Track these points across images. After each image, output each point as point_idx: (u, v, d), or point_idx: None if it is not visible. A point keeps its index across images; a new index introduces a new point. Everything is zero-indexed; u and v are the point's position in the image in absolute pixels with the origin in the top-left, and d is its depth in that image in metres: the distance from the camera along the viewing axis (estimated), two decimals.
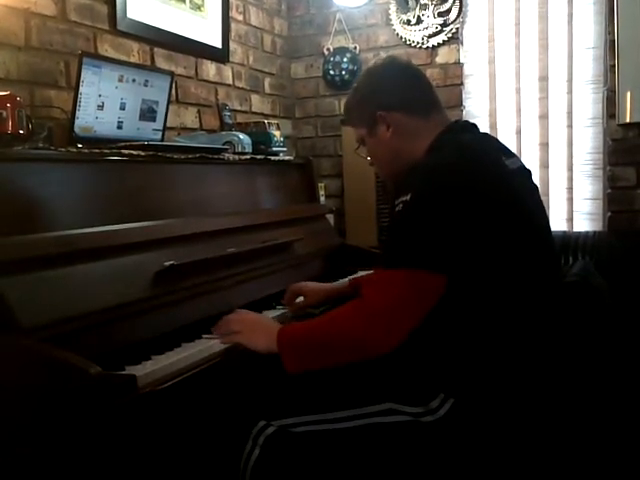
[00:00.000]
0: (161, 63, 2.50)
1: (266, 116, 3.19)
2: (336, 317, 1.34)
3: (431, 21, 3.14)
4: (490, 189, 1.27)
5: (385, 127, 1.46)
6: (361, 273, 2.24)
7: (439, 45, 3.16)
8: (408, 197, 1.26)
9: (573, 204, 2.98)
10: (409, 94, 1.47)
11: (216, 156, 2.12)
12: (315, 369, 1.32)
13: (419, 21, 3.17)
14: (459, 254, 1.23)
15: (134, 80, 2.00)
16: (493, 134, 2.93)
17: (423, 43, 3.17)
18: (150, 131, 2.14)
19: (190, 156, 1.97)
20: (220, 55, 2.87)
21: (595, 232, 2.82)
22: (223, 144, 2.31)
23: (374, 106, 1.46)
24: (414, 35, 3.19)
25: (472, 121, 1.54)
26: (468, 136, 1.45)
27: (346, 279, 2.09)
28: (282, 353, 1.33)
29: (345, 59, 3.36)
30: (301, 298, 1.86)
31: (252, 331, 1.45)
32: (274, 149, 2.56)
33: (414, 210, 1.26)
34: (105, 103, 1.92)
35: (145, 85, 2.06)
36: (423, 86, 1.51)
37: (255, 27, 3.19)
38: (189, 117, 2.67)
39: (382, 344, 1.24)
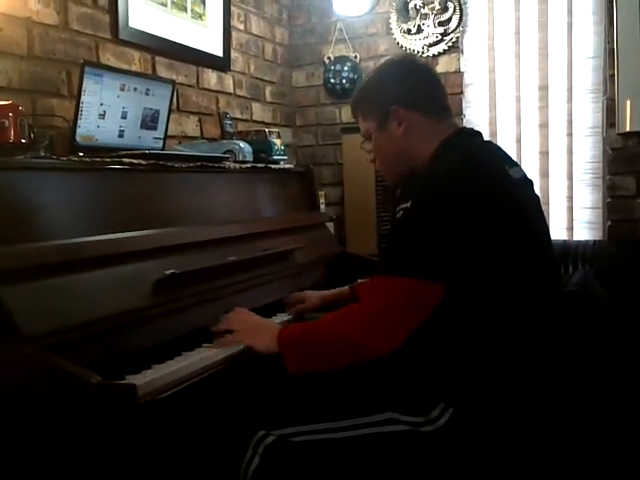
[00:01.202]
0: (162, 72, 2.51)
1: (267, 124, 3.20)
2: (334, 319, 1.35)
3: (431, 30, 3.16)
4: (492, 197, 1.27)
5: (397, 123, 1.44)
6: (361, 281, 2.25)
7: (439, 54, 3.17)
8: (409, 204, 1.26)
9: (573, 213, 2.98)
10: (426, 94, 1.47)
11: (217, 165, 2.13)
12: (315, 370, 1.33)
13: (419, 30, 3.18)
14: (459, 262, 1.24)
15: (135, 89, 2.01)
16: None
17: (423, 52, 3.18)
18: (151, 140, 2.14)
19: (191, 165, 1.98)
20: (221, 64, 2.88)
21: (595, 241, 2.82)
22: (224, 152, 2.31)
23: (389, 100, 1.44)
24: (414, 44, 3.20)
25: (477, 129, 1.54)
26: (472, 143, 1.45)
27: (346, 286, 2.10)
28: (283, 353, 1.35)
29: (346, 68, 3.38)
30: None
31: (253, 331, 1.47)
32: (275, 157, 2.56)
33: (415, 217, 1.26)
34: (106, 112, 1.92)
35: (146, 94, 2.06)
36: (439, 89, 1.51)
37: (256, 36, 3.20)
38: (190, 125, 2.67)
39: (379, 347, 1.25)
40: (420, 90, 1.47)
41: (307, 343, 1.35)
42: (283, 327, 1.43)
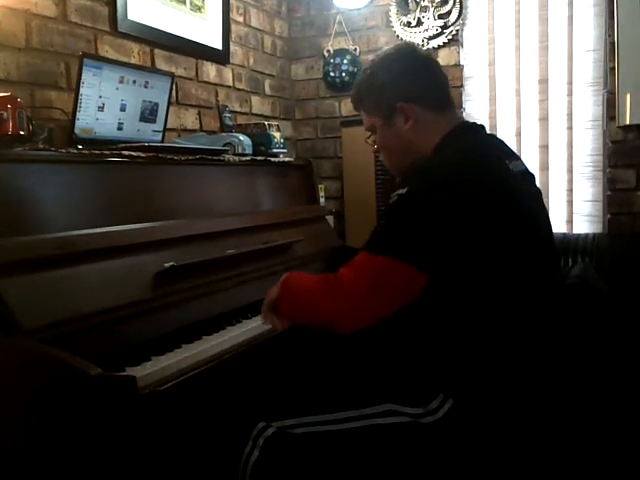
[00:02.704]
0: (161, 64, 2.50)
1: (266, 117, 3.19)
2: (314, 283, 1.37)
3: (431, 23, 3.15)
4: (489, 190, 1.27)
5: (403, 119, 1.43)
6: None
7: (439, 47, 3.16)
8: (404, 191, 1.26)
9: (573, 206, 2.98)
10: (429, 87, 1.45)
11: (216, 157, 2.13)
12: (298, 322, 1.38)
13: (419, 23, 3.17)
14: (450, 254, 1.23)
15: (134, 81, 2.01)
16: None
17: (423, 45, 3.16)
18: (150, 132, 2.14)
19: (190, 157, 1.97)
20: (220, 56, 2.88)
21: (595, 234, 2.81)
22: (223, 145, 2.31)
23: (394, 96, 1.43)
24: (414, 37, 3.19)
25: (480, 122, 1.54)
26: (472, 138, 1.44)
27: None
28: (280, 297, 1.41)
29: (345, 61, 3.37)
30: None
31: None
32: (274, 150, 2.56)
33: (408, 203, 1.26)
34: (105, 104, 1.92)
35: (145, 86, 2.06)
36: (441, 80, 1.49)
37: (255, 28, 3.19)
38: (189, 118, 2.67)
39: (346, 323, 1.28)
40: (424, 84, 1.45)
41: (294, 298, 1.40)
42: (291, 272, 1.48)
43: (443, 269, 1.24)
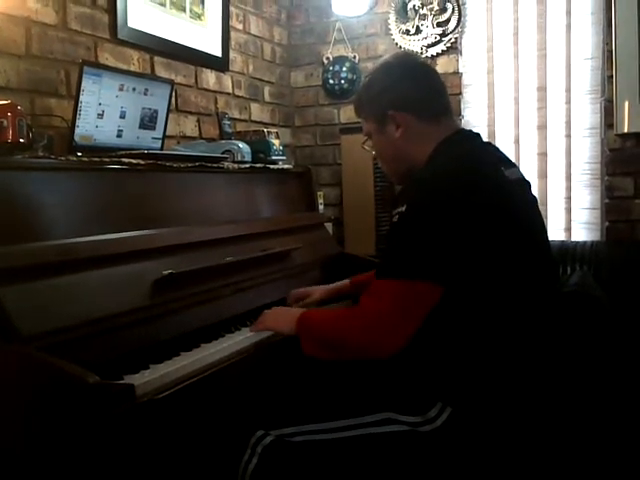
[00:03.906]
0: (161, 72, 2.51)
1: (265, 125, 3.20)
2: (339, 319, 1.38)
3: (430, 31, 3.16)
4: (485, 199, 1.27)
5: (395, 127, 1.45)
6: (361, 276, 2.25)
7: (438, 55, 3.17)
8: (404, 208, 1.27)
9: (571, 214, 2.98)
10: (423, 97, 1.47)
11: (215, 165, 2.13)
12: (326, 358, 1.38)
13: (418, 31, 3.19)
14: (454, 264, 1.24)
15: (134, 89, 2.01)
16: None
17: (422, 53, 3.18)
18: (150, 140, 2.14)
19: (189, 165, 1.98)
20: (220, 64, 2.89)
21: (593, 242, 2.82)
22: (222, 153, 2.31)
23: (387, 104, 1.45)
24: (413, 45, 3.20)
25: (476, 130, 1.54)
26: (468, 145, 1.45)
27: (346, 280, 2.10)
28: (300, 337, 1.41)
29: (344, 68, 3.38)
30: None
31: (278, 316, 1.58)
32: (273, 158, 2.56)
33: (409, 221, 1.27)
34: (105, 112, 1.92)
35: (145, 94, 2.06)
36: (437, 89, 1.50)
37: (255, 36, 3.20)
38: (189, 126, 2.67)
39: (379, 349, 1.27)
40: (419, 93, 1.47)
41: (318, 335, 1.40)
42: (303, 312, 1.49)
43: (453, 279, 1.25)
